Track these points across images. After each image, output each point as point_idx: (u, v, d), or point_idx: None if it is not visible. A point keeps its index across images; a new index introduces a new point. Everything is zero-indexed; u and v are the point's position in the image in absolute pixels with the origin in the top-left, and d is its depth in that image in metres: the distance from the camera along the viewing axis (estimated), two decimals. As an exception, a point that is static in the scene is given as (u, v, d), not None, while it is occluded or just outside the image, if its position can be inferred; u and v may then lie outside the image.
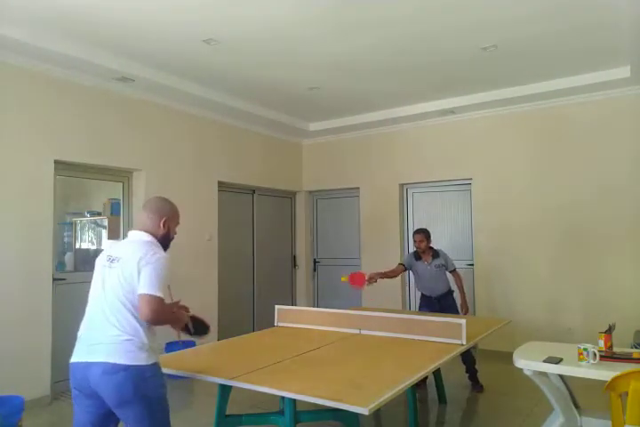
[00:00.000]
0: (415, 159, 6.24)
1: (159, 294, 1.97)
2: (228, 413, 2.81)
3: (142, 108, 4.96)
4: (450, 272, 4.50)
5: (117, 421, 2.09)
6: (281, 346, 3.07)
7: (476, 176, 5.82)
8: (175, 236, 2.33)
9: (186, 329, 2.32)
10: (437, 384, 3.96)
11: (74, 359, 2.04)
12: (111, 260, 2.11)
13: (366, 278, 4.18)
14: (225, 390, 2.76)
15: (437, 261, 4.43)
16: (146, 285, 1.97)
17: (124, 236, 4.90)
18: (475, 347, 4.32)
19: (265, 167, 6.52)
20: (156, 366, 2.05)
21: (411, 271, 4.64)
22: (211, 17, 3.59)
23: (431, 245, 4.51)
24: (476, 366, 4.27)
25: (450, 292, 4.47)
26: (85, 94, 4.46)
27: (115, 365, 1.92)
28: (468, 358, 4.22)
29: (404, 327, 3.23)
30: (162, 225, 2.22)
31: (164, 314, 2.03)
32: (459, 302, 4.48)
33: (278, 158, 6.79)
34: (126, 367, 1.93)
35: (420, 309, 4.55)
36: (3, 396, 3.19)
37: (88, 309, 2.12)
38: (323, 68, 4.65)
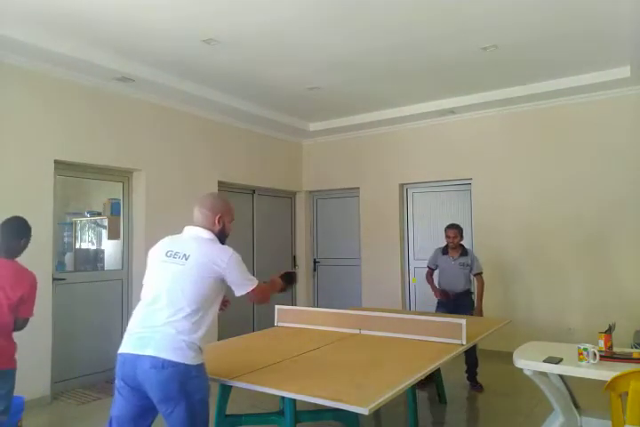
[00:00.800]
0: (415, 159, 6.24)
1: (255, 283, 2.18)
2: (228, 413, 2.81)
3: (142, 108, 4.96)
4: (474, 275, 4.46)
5: (154, 416, 2.10)
6: (281, 346, 3.07)
7: (476, 176, 5.82)
8: (230, 232, 2.36)
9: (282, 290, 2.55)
10: (437, 384, 3.96)
11: (123, 350, 2.04)
12: (173, 255, 2.12)
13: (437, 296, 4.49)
14: (225, 390, 2.76)
15: (463, 260, 4.41)
16: (244, 283, 2.15)
17: (124, 235, 4.91)
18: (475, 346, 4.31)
19: (265, 167, 6.52)
20: (202, 367, 2.06)
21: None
22: (211, 17, 3.59)
23: (462, 243, 4.50)
24: (477, 369, 4.26)
25: (468, 292, 4.45)
26: (85, 94, 4.46)
27: (163, 360, 1.93)
28: (471, 359, 4.21)
29: (404, 327, 3.23)
30: (217, 221, 2.24)
31: (269, 293, 2.35)
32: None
33: (278, 158, 6.79)
34: (175, 364, 1.94)
35: (436, 310, 4.48)
36: None
37: (143, 303, 2.12)
38: (323, 68, 4.65)
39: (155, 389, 1.95)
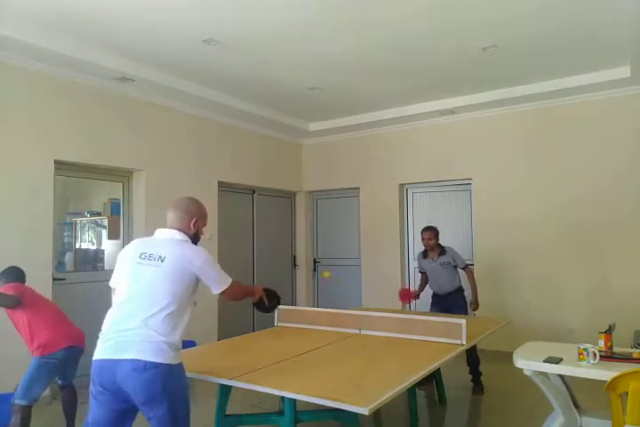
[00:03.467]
0: (415, 159, 6.24)
1: (229, 281, 2.25)
2: (228, 413, 2.81)
3: (142, 108, 4.96)
4: (462, 269, 4.44)
5: (132, 420, 2.10)
6: (281, 346, 3.07)
7: (476, 176, 5.82)
8: (202, 237, 2.39)
9: (260, 303, 2.69)
10: (437, 384, 3.95)
11: (100, 356, 2.02)
12: (148, 257, 2.10)
13: (412, 295, 4.56)
14: (225, 390, 2.76)
15: (443, 259, 4.39)
16: (219, 281, 2.21)
17: (124, 235, 4.91)
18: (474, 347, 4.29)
19: (265, 167, 6.52)
20: (181, 367, 2.07)
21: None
22: (211, 17, 3.59)
23: (440, 242, 4.47)
24: (479, 367, 4.24)
25: (459, 290, 4.42)
26: (85, 94, 4.47)
27: (145, 362, 1.93)
28: (473, 359, 4.18)
29: (404, 327, 3.23)
30: (192, 225, 2.26)
31: (242, 293, 2.49)
32: (469, 300, 4.44)
33: (278, 158, 6.79)
34: (157, 365, 1.94)
35: (430, 309, 4.48)
36: (3, 395, 3.20)
37: (118, 306, 2.10)
38: (323, 68, 4.65)
39: (138, 391, 1.94)
